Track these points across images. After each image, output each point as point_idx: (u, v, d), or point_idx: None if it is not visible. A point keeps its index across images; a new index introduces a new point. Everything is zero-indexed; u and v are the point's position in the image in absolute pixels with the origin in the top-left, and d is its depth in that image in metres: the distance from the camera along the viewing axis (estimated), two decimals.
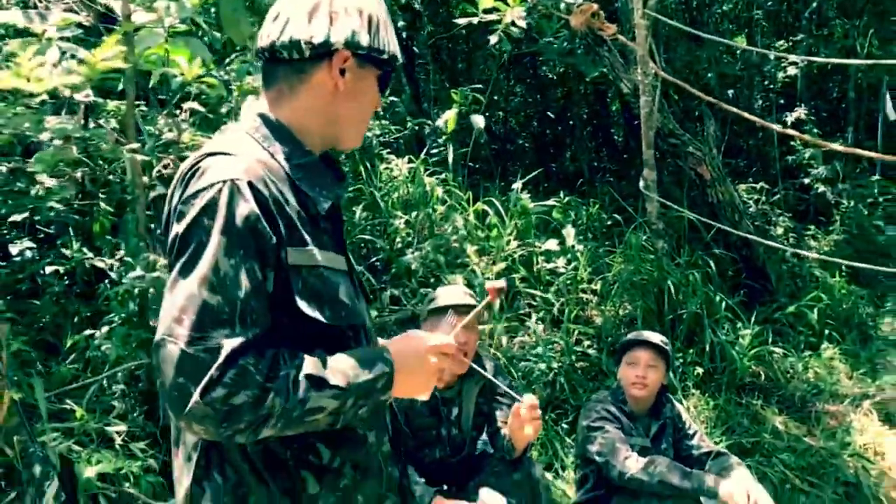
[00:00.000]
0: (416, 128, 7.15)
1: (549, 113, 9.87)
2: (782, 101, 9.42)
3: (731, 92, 9.40)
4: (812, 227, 7.60)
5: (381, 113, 6.42)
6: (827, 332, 5.65)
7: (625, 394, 3.32)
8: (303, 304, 1.34)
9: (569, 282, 5.28)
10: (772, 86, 9.47)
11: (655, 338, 3.34)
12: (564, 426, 4.32)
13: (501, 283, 1.93)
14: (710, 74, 8.54)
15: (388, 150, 6.33)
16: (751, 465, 3.92)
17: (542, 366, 4.51)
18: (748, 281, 5.65)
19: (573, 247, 5.55)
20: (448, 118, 6.41)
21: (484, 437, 3.23)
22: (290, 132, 1.47)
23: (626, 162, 9.14)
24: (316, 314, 1.36)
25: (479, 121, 6.38)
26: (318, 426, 1.32)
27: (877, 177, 8.54)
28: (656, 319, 4.88)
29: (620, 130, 10.15)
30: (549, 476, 3.76)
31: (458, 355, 2.74)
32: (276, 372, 1.26)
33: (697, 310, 4.88)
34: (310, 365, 1.29)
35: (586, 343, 4.90)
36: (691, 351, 4.80)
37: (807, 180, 8.13)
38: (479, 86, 7.15)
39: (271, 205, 1.32)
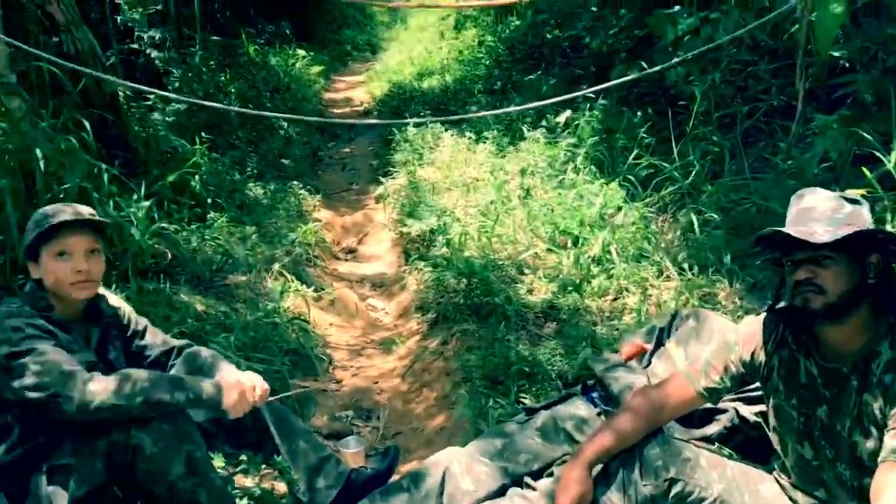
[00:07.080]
0: None
1: None
2: None
3: None
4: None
5: None
6: (210, 200, 5.21)
7: (50, 298, 2.28)
8: None
9: None
10: None
11: (85, 209, 2.36)
12: None
13: None
14: None
15: None
16: None
17: None
18: (118, 152, 4.73)
19: None
20: None
21: None
22: None
23: None
24: None
25: None
26: None
27: None
28: (27, 201, 3.65)
29: None
30: None
31: None
32: None
33: (83, 183, 3.81)
34: None
35: None
36: None
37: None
38: None
39: None
